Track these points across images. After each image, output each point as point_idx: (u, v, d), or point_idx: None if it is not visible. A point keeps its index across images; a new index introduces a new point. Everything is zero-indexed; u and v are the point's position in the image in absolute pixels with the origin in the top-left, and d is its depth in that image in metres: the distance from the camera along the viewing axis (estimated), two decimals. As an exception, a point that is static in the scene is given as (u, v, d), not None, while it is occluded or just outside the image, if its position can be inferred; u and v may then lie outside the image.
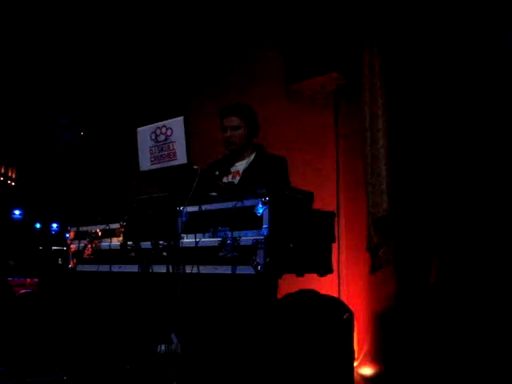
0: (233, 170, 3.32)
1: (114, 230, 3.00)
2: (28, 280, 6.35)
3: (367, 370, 4.25)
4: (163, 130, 2.72)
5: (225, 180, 3.26)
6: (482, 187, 3.75)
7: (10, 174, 8.83)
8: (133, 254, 2.81)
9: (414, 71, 4.17)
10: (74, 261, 3.29)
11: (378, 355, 4.26)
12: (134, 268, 2.77)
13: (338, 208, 4.58)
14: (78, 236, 3.30)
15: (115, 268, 2.94)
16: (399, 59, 4.26)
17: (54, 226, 7.47)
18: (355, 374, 3.60)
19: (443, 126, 4.01)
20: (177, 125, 2.67)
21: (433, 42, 4.08)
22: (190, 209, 2.56)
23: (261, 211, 2.28)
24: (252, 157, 3.32)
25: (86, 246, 3.18)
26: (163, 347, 2.43)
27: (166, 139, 2.71)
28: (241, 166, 3.30)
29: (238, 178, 3.25)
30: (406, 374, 3.85)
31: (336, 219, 2.82)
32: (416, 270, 4.10)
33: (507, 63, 3.67)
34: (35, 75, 6.92)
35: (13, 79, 6.84)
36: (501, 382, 3.40)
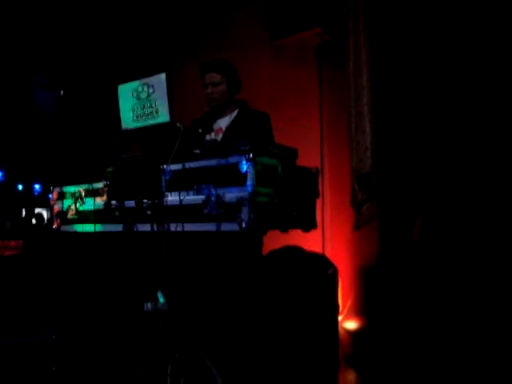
0: (216, 127, 3.27)
1: (97, 189, 2.99)
2: (12, 242, 6.33)
3: (351, 324, 4.33)
4: (145, 87, 2.68)
5: (208, 137, 3.23)
6: (465, 147, 3.75)
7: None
8: (117, 213, 2.80)
9: (398, 28, 4.12)
10: (58, 221, 3.28)
11: (361, 309, 4.33)
12: (119, 227, 2.77)
13: (322, 165, 4.58)
14: (62, 196, 3.29)
15: (99, 228, 2.94)
16: (384, 16, 4.21)
17: (37, 186, 7.40)
18: (339, 328, 3.66)
19: (428, 82, 3.98)
20: (159, 82, 2.63)
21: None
22: (174, 167, 2.55)
23: (245, 168, 2.27)
24: (235, 113, 3.27)
25: (69, 206, 3.16)
26: (150, 305, 2.45)
27: (148, 96, 2.67)
28: (224, 122, 3.25)
29: (221, 134, 3.21)
30: (389, 328, 3.93)
31: (320, 176, 2.82)
32: (399, 226, 4.13)
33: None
34: (13, 34, 6.76)
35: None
36: (480, 337, 3.48)
